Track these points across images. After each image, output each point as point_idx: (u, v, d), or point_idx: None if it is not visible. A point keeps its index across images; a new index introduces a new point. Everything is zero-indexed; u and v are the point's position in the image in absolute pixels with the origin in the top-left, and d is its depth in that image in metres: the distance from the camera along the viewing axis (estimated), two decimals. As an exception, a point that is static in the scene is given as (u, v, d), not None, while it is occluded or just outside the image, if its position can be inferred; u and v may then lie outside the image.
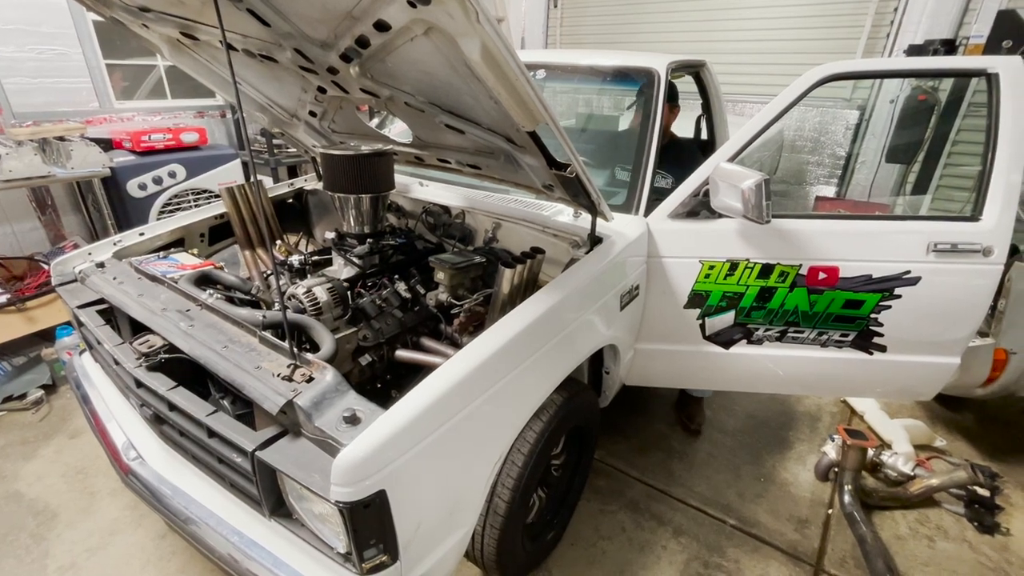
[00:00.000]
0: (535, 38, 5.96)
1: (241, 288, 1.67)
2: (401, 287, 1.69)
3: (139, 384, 1.31)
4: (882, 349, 1.82)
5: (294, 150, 2.79)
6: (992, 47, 3.17)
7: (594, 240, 1.59)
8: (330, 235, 1.85)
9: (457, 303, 1.65)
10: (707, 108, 2.73)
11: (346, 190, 1.71)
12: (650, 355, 1.94)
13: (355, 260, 1.75)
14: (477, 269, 1.71)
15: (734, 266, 1.72)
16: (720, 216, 1.65)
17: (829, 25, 4.20)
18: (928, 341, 1.81)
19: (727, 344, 1.88)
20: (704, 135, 2.80)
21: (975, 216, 1.64)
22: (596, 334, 1.57)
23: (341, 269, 1.80)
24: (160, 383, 1.25)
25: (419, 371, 1.50)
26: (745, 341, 1.87)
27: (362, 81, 1.32)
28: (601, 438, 2.20)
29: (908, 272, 1.67)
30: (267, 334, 1.23)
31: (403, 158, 1.94)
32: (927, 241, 1.64)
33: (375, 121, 2.60)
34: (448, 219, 2.00)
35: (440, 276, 1.66)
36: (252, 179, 1.13)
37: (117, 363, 1.37)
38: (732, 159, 1.63)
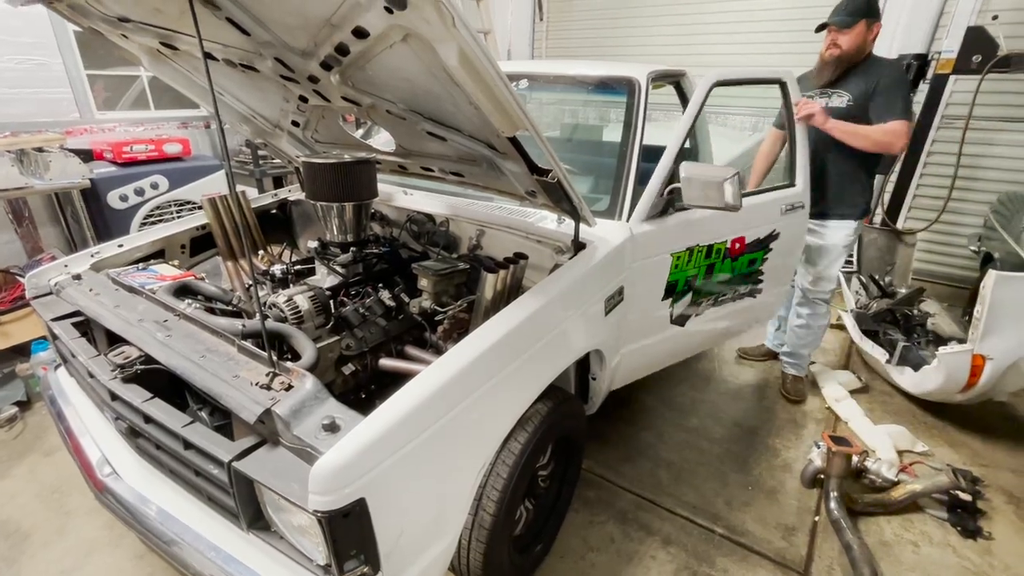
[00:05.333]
0: (521, 50, 6.04)
1: (222, 298, 1.64)
2: (385, 295, 1.68)
3: (114, 397, 1.28)
4: (760, 292, 2.37)
5: (279, 161, 2.78)
6: (962, 61, 3.28)
7: (577, 245, 1.60)
8: (313, 244, 1.84)
9: (441, 310, 1.64)
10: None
11: (328, 199, 1.70)
12: (633, 353, 1.98)
13: (338, 269, 1.74)
14: (461, 276, 1.70)
15: (691, 252, 1.96)
16: (676, 212, 1.87)
17: (807, 40, 4.30)
18: (776, 277, 2.39)
19: (682, 322, 2.13)
20: (687, 144, 2.84)
21: (793, 183, 2.28)
22: (580, 339, 1.57)
23: (324, 278, 1.78)
24: (135, 395, 1.22)
25: (404, 380, 1.49)
26: (694, 315, 2.16)
27: (343, 89, 1.33)
28: (588, 447, 2.19)
29: (774, 230, 2.20)
30: (246, 343, 1.21)
31: (387, 167, 1.94)
32: (781, 204, 2.18)
33: (360, 131, 2.60)
34: (432, 227, 2.00)
35: (424, 283, 1.66)
36: (231, 189, 1.12)
37: (92, 376, 1.34)
38: (677, 161, 1.80)
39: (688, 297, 2.06)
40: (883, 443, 2.33)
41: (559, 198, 1.43)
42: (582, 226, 1.59)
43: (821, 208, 2.41)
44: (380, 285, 1.75)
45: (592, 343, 1.65)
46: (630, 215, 1.79)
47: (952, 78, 3.47)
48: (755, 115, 4.62)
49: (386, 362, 1.54)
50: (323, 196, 1.69)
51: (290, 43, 1.21)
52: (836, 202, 2.38)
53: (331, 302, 1.59)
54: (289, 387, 1.06)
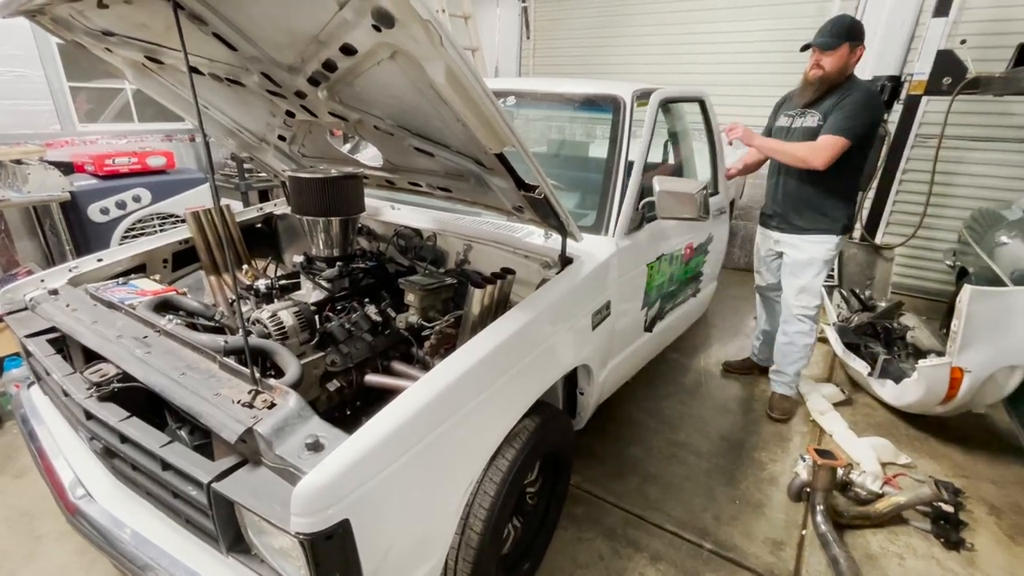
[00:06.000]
0: (509, 67, 6.12)
1: (204, 314, 1.61)
2: (371, 310, 1.66)
3: (89, 416, 1.24)
4: (700, 291, 2.74)
5: (265, 174, 2.77)
6: (934, 83, 3.40)
7: (564, 260, 1.60)
8: (298, 259, 1.82)
9: (428, 325, 1.63)
10: (673, 133, 2.83)
11: (314, 213, 1.69)
12: (618, 366, 2.02)
13: (324, 284, 1.72)
14: (448, 290, 1.70)
15: (659, 261, 2.12)
16: (648, 223, 2.01)
17: (787, 60, 4.44)
18: (710, 276, 2.83)
19: (652, 327, 2.29)
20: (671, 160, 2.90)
21: (716, 191, 2.73)
22: (568, 354, 1.57)
23: (309, 293, 1.77)
24: (111, 414, 1.19)
25: (391, 396, 1.47)
26: (659, 319, 2.34)
27: (330, 105, 1.33)
28: (576, 463, 2.17)
29: (710, 234, 2.58)
30: (228, 360, 1.19)
31: (374, 181, 1.94)
32: (713, 210, 2.48)
33: (348, 146, 2.60)
34: (420, 242, 1.99)
35: (410, 298, 1.65)
36: (215, 202, 1.11)
37: (66, 394, 1.30)
38: (647, 174, 1.95)
39: (658, 303, 2.25)
40: (867, 456, 2.36)
41: (546, 213, 1.44)
42: (569, 241, 1.60)
43: (801, 224, 2.43)
44: (367, 300, 1.74)
45: (579, 358, 1.65)
46: (616, 230, 1.81)
47: (924, 99, 3.59)
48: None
49: (372, 378, 1.52)
50: (309, 211, 1.68)
51: (277, 58, 1.21)
52: (816, 218, 2.39)
53: (316, 317, 1.57)
54: (272, 405, 1.04)
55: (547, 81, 2.50)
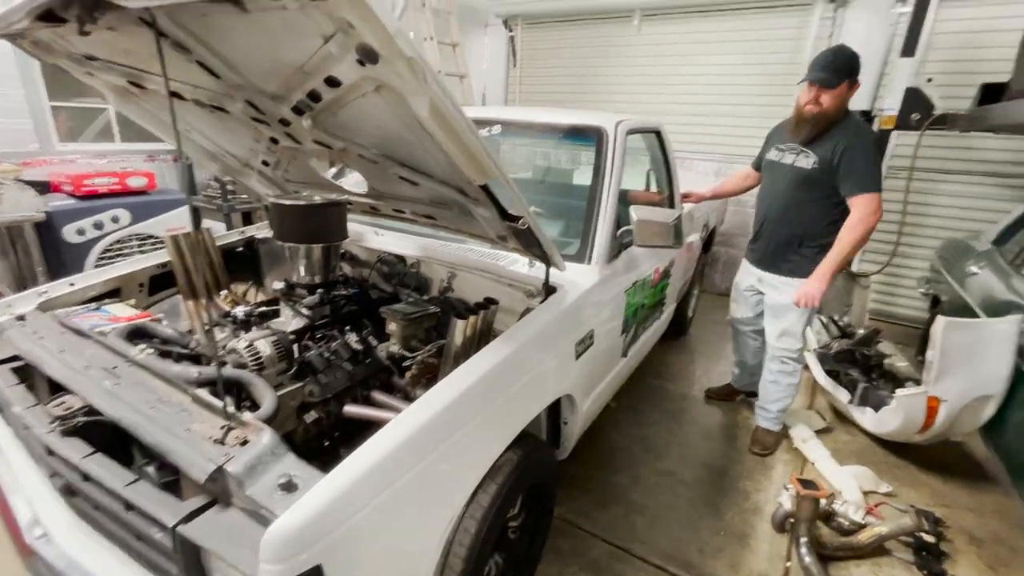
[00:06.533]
0: (496, 94, 6.22)
1: (179, 342, 1.57)
2: (352, 339, 1.64)
3: (50, 451, 1.18)
4: (663, 313, 2.84)
5: (248, 196, 2.74)
6: (903, 118, 3.54)
7: (548, 289, 1.60)
8: (278, 285, 1.79)
9: (410, 355, 1.60)
10: (655, 163, 2.88)
11: (297, 240, 1.67)
12: (600, 394, 2.03)
13: (304, 311, 1.69)
14: (430, 319, 1.68)
15: (634, 287, 2.15)
16: (623, 250, 2.06)
17: (765, 94, 4.61)
18: (673, 299, 2.97)
19: (626, 352, 2.30)
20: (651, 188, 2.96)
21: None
22: (551, 384, 1.56)
23: (289, 320, 1.73)
24: (74, 450, 1.13)
25: (371, 427, 1.43)
26: (632, 344, 2.35)
27: (315, 133, 1.32)
28: (560, 492, 2.13)
29: (672, 259, 2.66)
30: (201, 392, 1.15)
31: (358, 207, 1.93)
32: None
33: (333, 171, 2.60)
34: (403, 268, 1.98)
35: (392, 327, 1.62)
36: (195, 226, 1.08)
37: (27, 428, 1.24)
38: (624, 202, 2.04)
39: (633, 328, 2.28)
40: (849, 484, 2.36)
41: (530, 243, 1.44)
42: (552, 270, 1.60)
43: (786, 265, 2.34)
44: (348, 328, 1.71)
45: (563, 388, 1.64)
46: (598, 259, 1.83)
47: (895, 133, 3.73)
48: (719, 160, 4.86)
49: (351, 409, 1.48)
50: (291, 237, 1.67)
51: (261, 87, 1.21)
52: (801, 261, 2.29)
53: (295, 346, 1.54)
54: (245, 442, 1.00)
55: (532, 111, 2.54)
